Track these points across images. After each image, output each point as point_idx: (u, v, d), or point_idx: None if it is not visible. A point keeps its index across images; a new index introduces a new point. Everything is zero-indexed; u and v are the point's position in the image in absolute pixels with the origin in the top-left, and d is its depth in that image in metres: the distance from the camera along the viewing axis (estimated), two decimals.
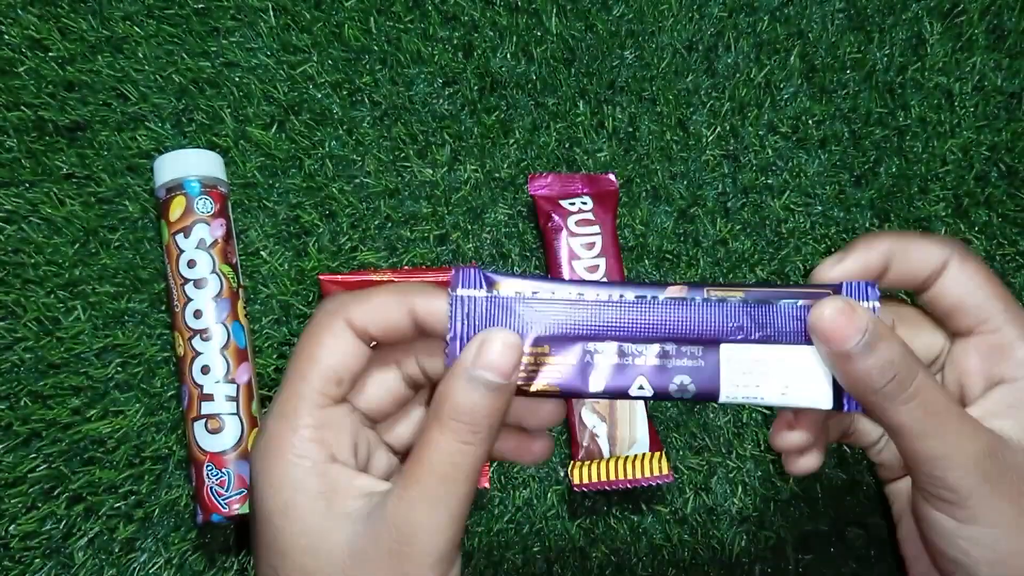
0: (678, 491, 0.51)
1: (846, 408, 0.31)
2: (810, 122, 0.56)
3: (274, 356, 0.51)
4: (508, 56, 0.56)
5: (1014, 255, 0.54)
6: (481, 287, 0.31)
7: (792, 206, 0.55)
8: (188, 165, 0.49)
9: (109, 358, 0.50)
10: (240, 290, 0.49)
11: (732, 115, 0.56)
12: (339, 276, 0.51)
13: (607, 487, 0.48)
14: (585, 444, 0.49)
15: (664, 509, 0.50)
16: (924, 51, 0.57)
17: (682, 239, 0.54)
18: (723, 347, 0.31)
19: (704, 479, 0.51)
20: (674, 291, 0.31)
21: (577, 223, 0.52)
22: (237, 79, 0.54)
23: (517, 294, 0.31)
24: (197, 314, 0.47)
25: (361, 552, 0.29)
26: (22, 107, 0.52)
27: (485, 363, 0.29)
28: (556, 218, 0.52)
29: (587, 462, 0.49)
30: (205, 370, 0.47)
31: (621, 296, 0.31)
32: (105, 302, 0.51)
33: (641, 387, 0.31)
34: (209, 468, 0.46)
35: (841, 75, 0.57)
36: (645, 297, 0.31)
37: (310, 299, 0.52)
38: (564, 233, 0.52)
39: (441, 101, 0.55)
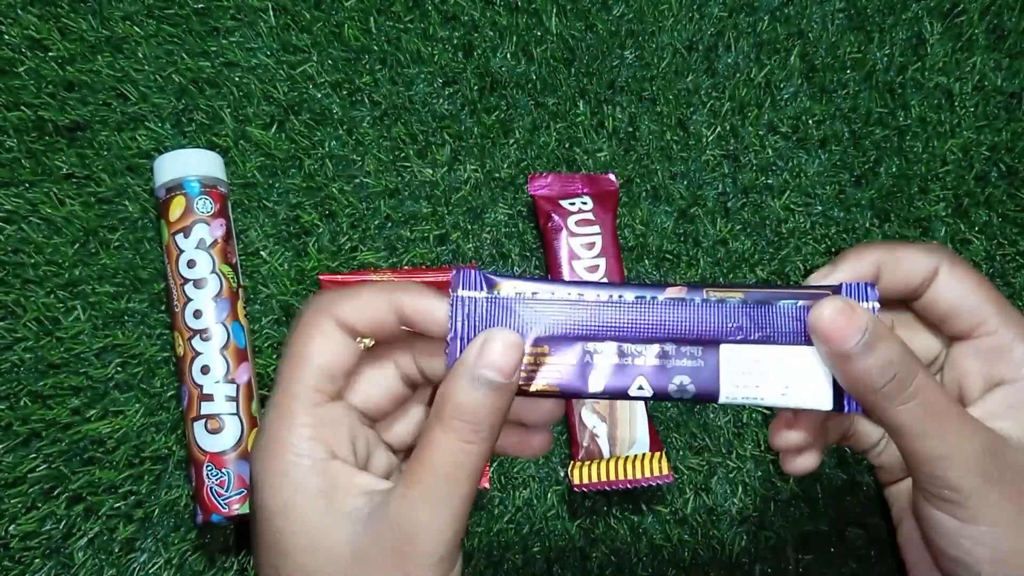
0: (678, 491, 0.51)
1: (846, 409, 0.31)
2: (810, 122, 0.56)
3: (274, 356, 0.51)
4: (508, 56, 0.56)
5: (1014, 255, 0.54)
6: (481, 288, 0.31)
7: (792, 206, 0.55)
8: (188, 165, 0.49)
9: (109, 358, 0.50)
10: (240, 290, 0.49)
11: (732, 115, 0.56)
12: (339, 276, 0.51)
13: (607, 487, 0.48)
14: (585, 444, 0.49)
15: (664, 509, 0.50)
16: (924, 51, 0.57)
17: (682, 239, 0.54)
18: (723, 347, 0.31)
19: (704, 479, 0.51)
20: (673, 292, 0.32)
21: (577, 223, 0.52)
22: (237, 79, 0.54)
23: (517, 295, 0.31)
24: (197, 314, 0.47)
25: (363, 552, 0.29)
26: (22, 107, 0.52)
27: (487, 363, 0.29)
28: (556, 218, 0.52)
29: (587, 462, 0.49)
30: (205, 370, 0.47)
31: (620, 296, 0.31)
32: (105, 302, 0.51)
33: (641, 387, 0.31)
34: (209, 468, 0.46)
35: (841, 75, 0.57)
36: (644, 297, 0.31)
37: None
38: (564, 233, 0.52)
39: (441, 101, 0.55)
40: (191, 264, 0.48)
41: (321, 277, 0.51)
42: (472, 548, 0.49)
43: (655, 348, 0.31)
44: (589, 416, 0.49)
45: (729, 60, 0.57)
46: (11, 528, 0.48)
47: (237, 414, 0.47)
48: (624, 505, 0.50)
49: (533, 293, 0.31)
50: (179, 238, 0.48)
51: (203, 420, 0.46)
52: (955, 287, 0.34)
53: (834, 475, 0.51)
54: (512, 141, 0.55)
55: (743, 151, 0.56)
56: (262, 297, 0.52)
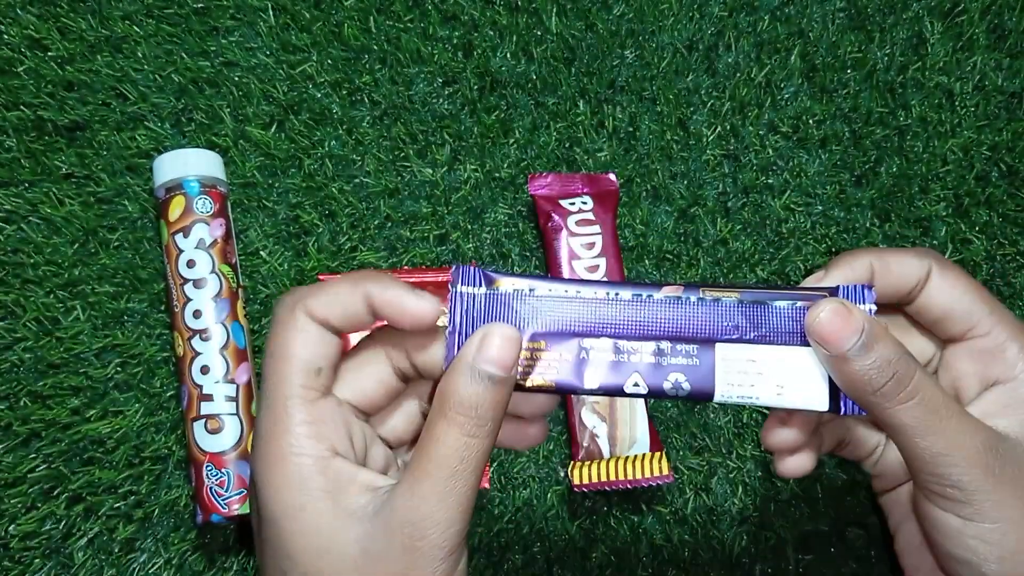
0: (678, 491, 0.51)
1: (843, 411, 0.31)
2: (811, 122, 0.56)
3: None
4: (508, 56, 0.56)
5: (1014, 255, 0.54)
6: (480, 284, 0.31)
7: (792, 206, 0.55)
8: (187, 165, 0.49)
9: (109, 358, 0.50)
10: (240, 290, 0.49)
11: (732, 115, 0.56)
12: (338, 276, 0.51)
13: (607, 487, 0.48)
14: (585, 444, 0.49)
15: (664, 509, 0.50)
16: (925, 51, 0.57)
17: (682, 239, 0.54)
18: (718, 346, 0.31)
19: (704, 479, 0.51)
20: (670, 290, 0.32)
21: (577, 223, 0.52)
22: (236, 79, 0.54)
23: (515, 291, 0.31)
24: (196, 314, 0.47)
25: (373, 550, 0.29)
26: (21, 107, 0.52)
27: (486, 357, 0.30)
28: (556, 218, 0.52)
29: (587, 462, 0.49)
30: (205, 370, 0.47)
31: (617, 294, 0.32)
32: (104, 302, 0.51)
33: (636, 384, 0.31)
34: (209, 468, 0.46)
35: (842, 75, 0.57)
36: (641, 296, 0.32)
37: None
38: (564, 233, 0.52)
39: (441, 101, 0.55)
40: (191, 264, 0.48)
41: (321, 277, 0.51)
42: (472, 548, 0.49)
43: (651, 346, 0.31)
44: (589, 416, 0.49)
45: (729, 60, 0.57)
46: (11, 528, 0.48)
47: (237, 414, 0.47)
48: (624, 505, 0.50)
49: (531, 290, 0.31)
50: (179, 238, 0.48)
51: (203, 420, 0.46)
52: (947, 290, 0.34)
53: (834, 475, 0.51)
54: (512, 141, 0.55)
55: (743, 151, 0.56)
56: (262, 297, 0.52)
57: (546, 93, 0.56)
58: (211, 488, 0.46)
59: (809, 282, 0.34)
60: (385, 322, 0.32)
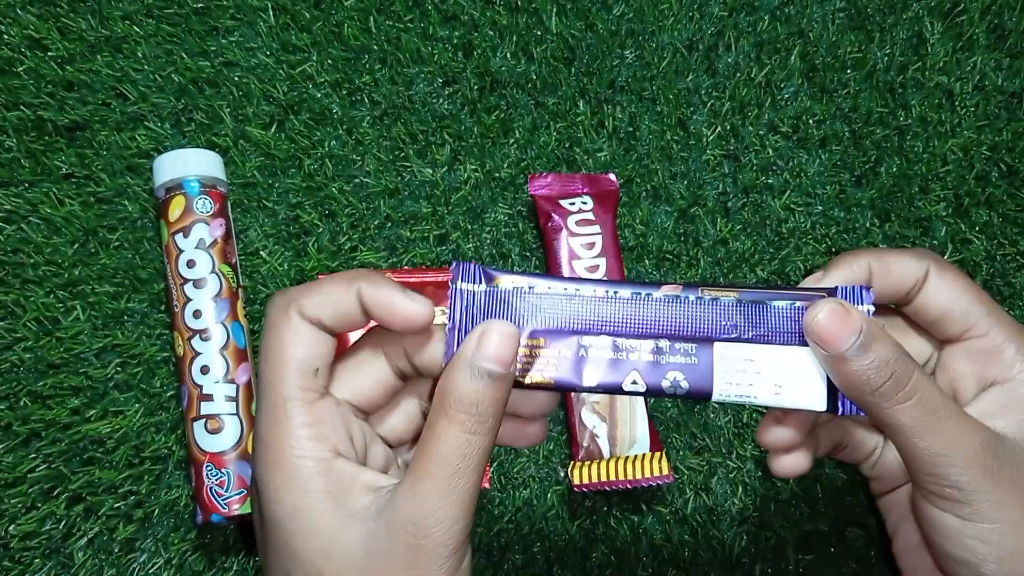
0: (678, 491, 0.51)
1: (840, 411, 0.31)
2: (810, 122, 0.56)
3: None
4: (508, 56, 0.56)
5: (1014, 255, 0.54)
6: (480, 281, 0.32)
7: (792, 206, 0.55)
8: (187, 165, 0.49)
9: (109, 358, 0.50)
10: (240, 290, 0.49)
11: (732, 115, 0.56)
12: (330, 276, 0.51)
13: (607, 487, 0.48)
14: (585, 444, 0.49)
15: (664, 509, 0.50)
16: (925, 51, 0.57)
17: (682, 239, 0.54)
18: (717, 345, 0.31)
19: (704, 479, 0.51)
20: (669, 289, 0.32)
21: (577, 223, 0.52)
22: (236, 79, 0.54)
23: (515, 288, 0.32)
24: (196, 314, 0.47)
25: (377, 550, 0.29)
26: (21, 107, 0.52)
27: (485, 354, 0.30)
28: (556, 218, 0.52)
29: (587, 462, 0.49)
30: (204, 370, 0.47)
31: (616, 293, 0.32)
32: (104, 302, 0.51)
33: (634, 382, 0.31)
34: (209, 468, 0.46)
35: (842, 75, 0.57)
36: (640, 294, 0.32)
37: None
38: (564, 233, 0.52)
39: (441, 101, 0.55)
40: (191, 264, 0.48)
41: (321, 277, 0.51)
42: (472, 547, 0.49)
43: (649, 344, 0.31)
44: (589, 416, 0.49)
45: (729, 60, 0.57)
46: (11, 528, 0.48)
47: (237, 414, 0.47)
48: (624, 505, 0.50)
49: (531, 287, 0.32)
50: (179, 238, 0.48)
51: (203, 420, 0.46)
52: (945, 291, 0.34)
53: (834, 475, 0.51)
54: (512, 141, 0.55)
55: (743, 151, 0.56)
56: (262, 297, 0.52)
57: (546, 93, 0.56)
58: (211, 488, 0.46)
59: (808, 282, 0.35)
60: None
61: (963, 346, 0.35)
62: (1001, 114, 0.56)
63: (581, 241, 0.51)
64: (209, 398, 0.47)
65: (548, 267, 0.52)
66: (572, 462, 0.49)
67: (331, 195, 0.53)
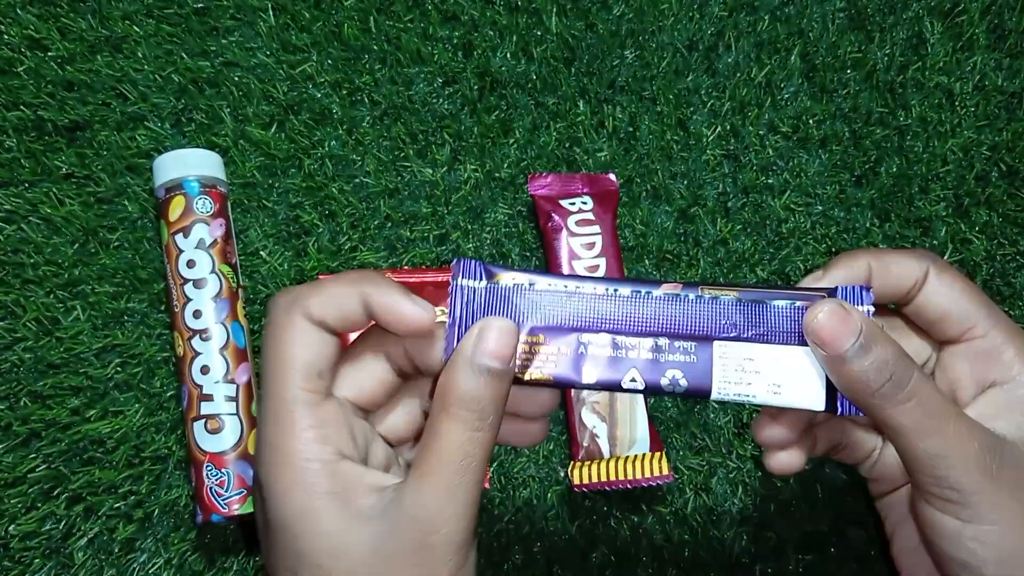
0: (678, 491, 0.51)
1: (839, 411, 0.31)
2: (810, 122, 0.56)
3: None
4: (508, 56, 0.56)
5: (1014, 255, 0.54)
6: (480, 278, 0.32)
7: (792, 206, 0.55)
8: (187, 165, 0.49)
9: (109, 358, 0.50)
10: (240, 290, 0.49)
11: (732, 115, 0.56)
12: (334, 276, 0.51)
13: (607, 487, 0.48)
14: (585, 444, 0.49)
15: (664, 509, 0.50)
16: (925, 51, 0.57)
17: (682, 239, 0.54)
18: (716, 344, 0.31)
19: (704, 479, 0.51)
20: (669, 288, 0.32)
21: (577, 223, 0.52)
22: (236, 79, 0.54)
23: (515, 285, 0.32)
24: (196, 314, 0.47)
25: (384, 549, 0.29)
26: (22, 107, 0.52)
27: (484, 351, 0.30)
28: (556, 218, 0.52)
29: (587, 462, 0.49)
30: (205, 370, 0.47)
31: (616, 291, 0.32)
32: (105, 302, 0.51)
33: (633, 380, 0.31)
34: (209, 468, 0.46)
35: (842, 75, 0.57)
36: (640, 292, 0.32)
37: None
38: (564, 233, 0.52)
39: (441, 101, 0.55)
40: (191, 264, 0.48)
41: (321, 277, 0.51)
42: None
43: (649, 342, 0.32)
44: (589, 416, 0.49)
45: (729, 60, 0.57)
46: (11, 528, 0.48)
47: (237, 414, 0.47)
48: (624, 505, 0.50)
49: (531, 284, 0.32)
50: (179, 238, 0.48)
51: (203, 420, 0.46)
52: (944, 291, 0.34)
53: (834, 475, 0.51)
54: (512, 141, 0.55)
55: (743, 151, 0.56)
56: (262, 297, 0.52)
57: (546, 93, 0.56)
58: (211, 488, 0.46)
59: (807, 282, 0.34)
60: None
61: (963, 347, 0.35)
62: (1001, 114, 0.56)
63: (581, 241, 0.51)
64: (209, 398, 0.47)
65: (548, 267, 0.52)
66: (572, 462, 0.49)
67: (331, 195, 0.53)
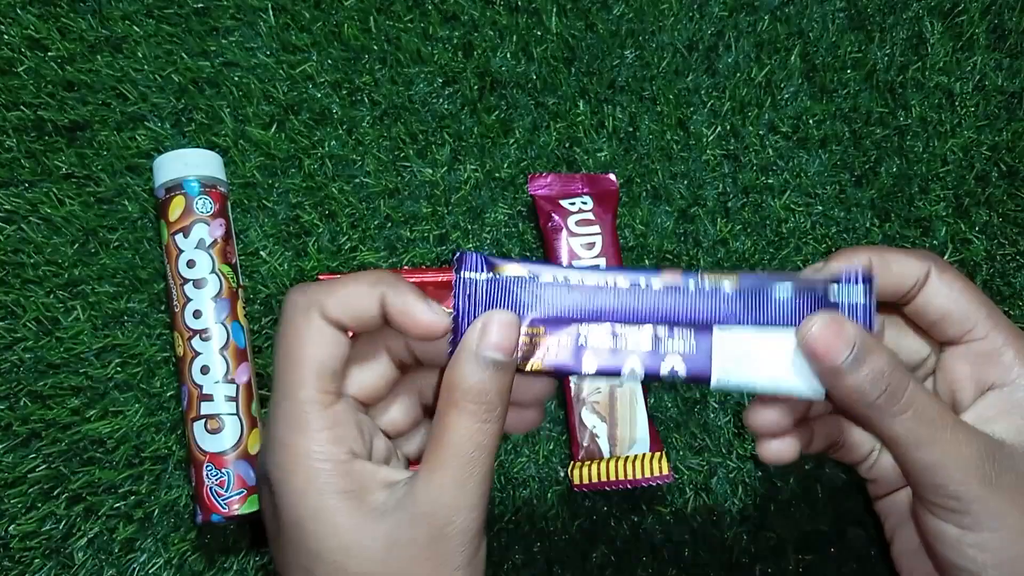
0: (678, 491, 0.51)
1: None
2: (810, 122, 0.56)
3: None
4: (508, 56, 0.56)
5: (1014, 255, 0.54)
6: (483, 270, 0.32)
7: (792, 206, 0.55)
8: (187, 165, 0.49)
9: (109, 358, 0.50)
10: (240, 290, 0.49)
11: (732, 115, 0.56)
12: (339, 276, 0.51)
13: (607, 487, 0.48)
14: (585, 444, 0.49)
15: (664, 509, 0.50)
16: (925, 51, 0.57)
17: (682, 239, 0.54)
18: (716, 332, 0.31)
19: (704, 479, 0.51)
20: (668, 277, 0.32)
21: (577, 223, 0.52)
22: (237, 79, 0.54)
23: (517, 277, 0.32)
24: (197, 314, 0.47)
25: (399, 543, 0.30)
26: (21, 107, 0.52)
27: (488, 344, 0.30)
28: (556, 218, 0.52)
29: (587, 462, 0.49)
30: (205, 370, 0.47)
31: (616, 281, 0.32)
32: (105, 302, 0.51)
33: (633, 369, 0.32)
34: (209, 468, 0.46)
35: (842, 75, 0.57)
36: (639, 282, 0.32)
37: None
38: (564, 233, 0.52)
39: (441, 101, 0.55)
40: (191, 264, 0.48)
41: (321, 277, 0.51)
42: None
43: (648, 331, 0.32)
44: (589, 416, 0.49)
45: (729, 60, 0.57)
46: (11, 528, 0.48)
47: (237, 414, 0.47)
48: (624, 505, 0.50)
49: (532, 276, 0.32)
50: (179, 238, 0.48)
51: (203, 420, 0.46)
52: (945, 292, 0.34)
53: (834, 475, 0.51)
54: (512, 141, 0.55)
55: (743, 151, 0.56)
56: (262, 297, 0.52)
57: (546, 93, 0.56)
58: (211, 488, 0.46)
59: (807, 273, 0.34)
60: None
61: (963, 349, 0.35)
62: (1001, 114, 0.56)
63: (581, 241, 0.51)
64: (209, 398, 0.47)
65: None
66: (572, 462, 0.49)
67: (331, 195, 0.53)
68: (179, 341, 0.48)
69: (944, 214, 0.55)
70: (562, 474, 0.51)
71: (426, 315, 0.31)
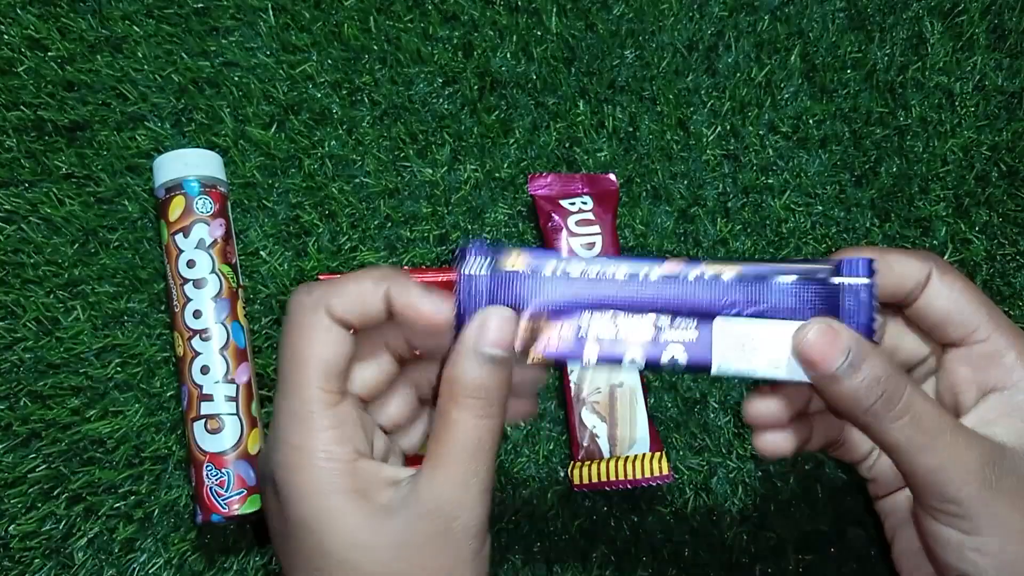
0: (678, 491, 0.51)
1: None
2: (810, 122, 0.56)
3: (274, 356, 0.51)
4: (508, 56, 0.56)
5: (1014, 255, 0.54)
6: (484, 263, 0.32)
7: (792, 206, 0.55)
8: (187, 165, 0.49)
9: (109, 358, 0.50)
10: (240, 290, 0.49)
11: (732, 115, 0.56)
12: (339, 276, 0.51)
13: (607, 487, 0.48)
14: (585, 444, 0.49)
15: (664, 509, 0.50)
16: (925, 51, 0.57)
17: (682, 239, 0.54)
18: (716, 320, 0.32)
19: (704, 479, 0.51)
20: (670, 266, 0.32)
21: (577, 223, 0.52)
22: (236, 79, 0.54)
23: (518, 269, 0.32)
24: (196, 314, 0.47)
25: (406, 539, 0.30)
26: (22, 107, 0.52)
27: (487, 340, 0.31)
28: (556, 218, 0.52)
29: (587, 462, 0.49)
30: (205, 370, 0.47)
31: (616, 271, 0.32)
32: (105, 302, 0.51)
33: (634, 359, 0.32)
34: (209, 468, 0.46)
35: (842, 75, 0.57)
36: (640, 272, 0.32)
37: None
38: (564, 233, 0.52)
39: (441, 101, 0.55)
40: (191, 264, 0.48)
41: (321, 277, 0.51)
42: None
43: (649, 320, 0.32)
44: (589, 416, 0.49)
45: (729, 60, 0.57)
46: (11, 528, 0.48)
47: (237, 414, 0.47)
48: (624, 505, 0.50)
49: (534, 268, 0.32)
50: (179, 238, 0.48)
51: (203, 420, 0.46)
52: (946, 294, 0.34)
53: (834, 475, 0.51)
54: (512, 141, 0.55)
55: (743, 151, 0.56)
56: (262, 297, 0.52)
57: (546, 93, 0.56)
58: (211, 488, 0.46)
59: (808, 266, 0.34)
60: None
61: (964, 351, 0.35)
62: (1001, 114, 0.56)
63: (581, 241, 0.51)
64: (209, 398, 0.47)
65: None
66: (572, 462, 0.49)
67: (331, 195, 0.53)
68: (179, 341, 0.48)
69: (944, 214, 0.55)
70: (562, 474, 0.51)
71: (431, 307, 0.31)
